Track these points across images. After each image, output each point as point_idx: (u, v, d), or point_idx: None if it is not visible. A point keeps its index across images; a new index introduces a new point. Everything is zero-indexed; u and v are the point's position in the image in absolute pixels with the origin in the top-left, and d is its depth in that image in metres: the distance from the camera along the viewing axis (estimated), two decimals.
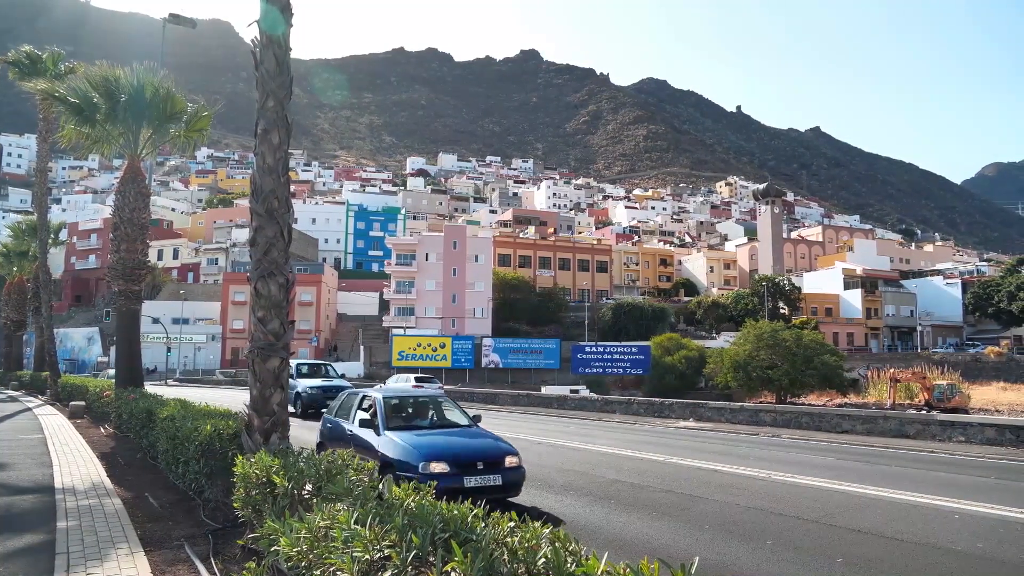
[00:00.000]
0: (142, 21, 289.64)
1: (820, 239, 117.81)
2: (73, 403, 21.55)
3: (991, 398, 48.68)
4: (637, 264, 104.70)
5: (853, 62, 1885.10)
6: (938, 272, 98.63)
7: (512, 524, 3.34)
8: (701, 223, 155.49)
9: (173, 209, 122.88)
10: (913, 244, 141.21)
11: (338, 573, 3.23)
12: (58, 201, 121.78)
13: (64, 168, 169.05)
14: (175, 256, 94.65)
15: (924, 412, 30.45)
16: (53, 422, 19.08)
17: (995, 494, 10.22)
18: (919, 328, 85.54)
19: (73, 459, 12.10)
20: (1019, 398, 48.99)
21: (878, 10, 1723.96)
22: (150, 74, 17.29)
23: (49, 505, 8.32)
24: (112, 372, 50.32)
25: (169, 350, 66.79)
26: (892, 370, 46.91)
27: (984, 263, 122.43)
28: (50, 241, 33.26)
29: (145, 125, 17.91)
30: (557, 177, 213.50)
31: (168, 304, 74.65)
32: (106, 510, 7.99)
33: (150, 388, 18.60)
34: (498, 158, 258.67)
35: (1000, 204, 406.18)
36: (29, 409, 24.08)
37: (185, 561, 6.03)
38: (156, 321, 62.10)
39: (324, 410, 12.98)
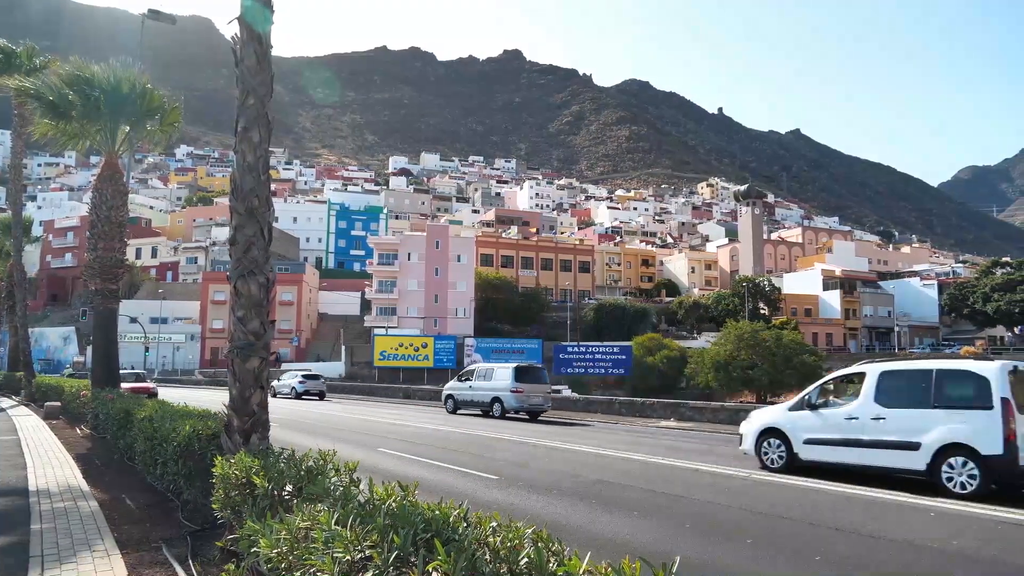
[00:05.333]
0: (121, 16, 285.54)
1: (800, 240, 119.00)
2: (48, 404, 21.23)
3: None
4: (619, 264, 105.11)
5: (833, 66, 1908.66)
6: (915, 273, 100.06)
7: (495, 524, 3.33)
8: (683, 224, 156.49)
9: (152, 207, 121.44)
10: (891, 246, 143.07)
11: (319, 574, 3.20)
12: (33, 198, 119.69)
13: (40, 165, 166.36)
14: (154, 255, 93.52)
15: None
16: (28, 423, 18.78)
17: None
18: (896, 328, 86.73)
19: (48, 461, 11.90)
20: None
21: (858, 15, 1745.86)
22: (126, 70, 17.07)
23: (23, 508, 8.18)
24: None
25: (147, 350, 65.94)
26: None
27: (960, 265, 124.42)
28: (24, 239, 32.71)
29: (122, 121, 17.68)
30: (540, 177, 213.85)
31: (146, 303, 73.75)
32: (82, 512, 7.87)
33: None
34: (481, 158, 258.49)
35: (975, 207, 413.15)
36: (3, 410, 23.69)
37: (163, 563, 5.96)
38: (134, 320, 61.28)
39: None
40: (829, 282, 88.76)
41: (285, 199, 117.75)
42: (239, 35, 7.25)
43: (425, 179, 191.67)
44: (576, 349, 61.77)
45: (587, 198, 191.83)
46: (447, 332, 71.12)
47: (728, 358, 48.89)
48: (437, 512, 3.47)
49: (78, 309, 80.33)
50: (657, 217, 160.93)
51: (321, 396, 41.66)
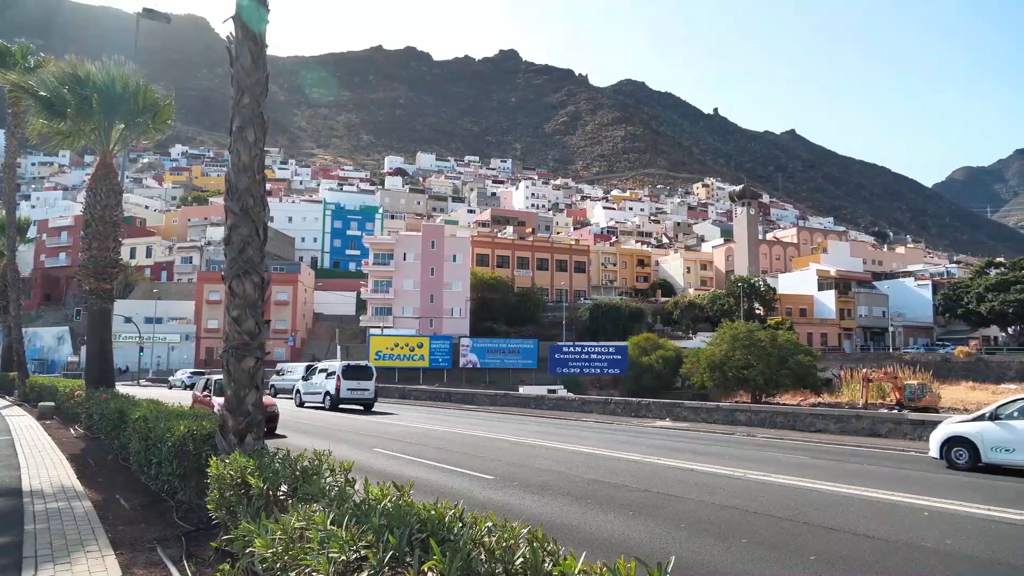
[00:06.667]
0: (115, 15, 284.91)
1: (795, 241, 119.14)
2: (42, 404, 21.14)
3: (960, 397, 49.61)
4: (615, 264, 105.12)
5: (828, 67, 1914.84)
6: (909, 274, 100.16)
7: (490, 524, 3.33)
8: (678, 224, 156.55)
9: (146, 207, 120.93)
10: (885, 246, 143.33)
11: (314, 574, 3.20)
12: (27, 198, 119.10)
13: (34, 164, 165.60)
14: (148, 254, 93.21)
15: (896, 411, 30.95)
16: (21, 423, 18.70)
17: (964, 492, 10.42)
18: (891, 328, 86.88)
19: (42, 461, 11.86)
20: (987, 397, 49.87)
21: (854, 16, 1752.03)
22: (121, 68, 17.00)
23: (16, 508, 8.15)
24: None
25: (142, 350, 65.75)
26: (865, 370, 47.62)
27: (954, 265, 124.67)
28: (19, 239, 32.58)
29: (117, 120, 17.61)
30: (535, 177, 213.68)
31: (141, 303, 73.47)
32: (76, 513, 7.84)
33: (121, 388, 18.29)
34: (477, 158, 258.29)
35: (969, 207, 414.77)
36: None
37: (157, 564, 5.94)
38: (128, 320, 61.07)
39: None
40: (824, 282, 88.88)
41: (280, 199, 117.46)
42: (234, 34, 7.23)
43: (421, 179, 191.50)
44: (572, 349, 61.88)
45: (583, 198, 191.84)
46: (443, 332, 71.05)
47: (723, 358, 48.99)
48: (432, 512, 3.47)
49: (72, 309, 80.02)
50: (653, 217, 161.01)
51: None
